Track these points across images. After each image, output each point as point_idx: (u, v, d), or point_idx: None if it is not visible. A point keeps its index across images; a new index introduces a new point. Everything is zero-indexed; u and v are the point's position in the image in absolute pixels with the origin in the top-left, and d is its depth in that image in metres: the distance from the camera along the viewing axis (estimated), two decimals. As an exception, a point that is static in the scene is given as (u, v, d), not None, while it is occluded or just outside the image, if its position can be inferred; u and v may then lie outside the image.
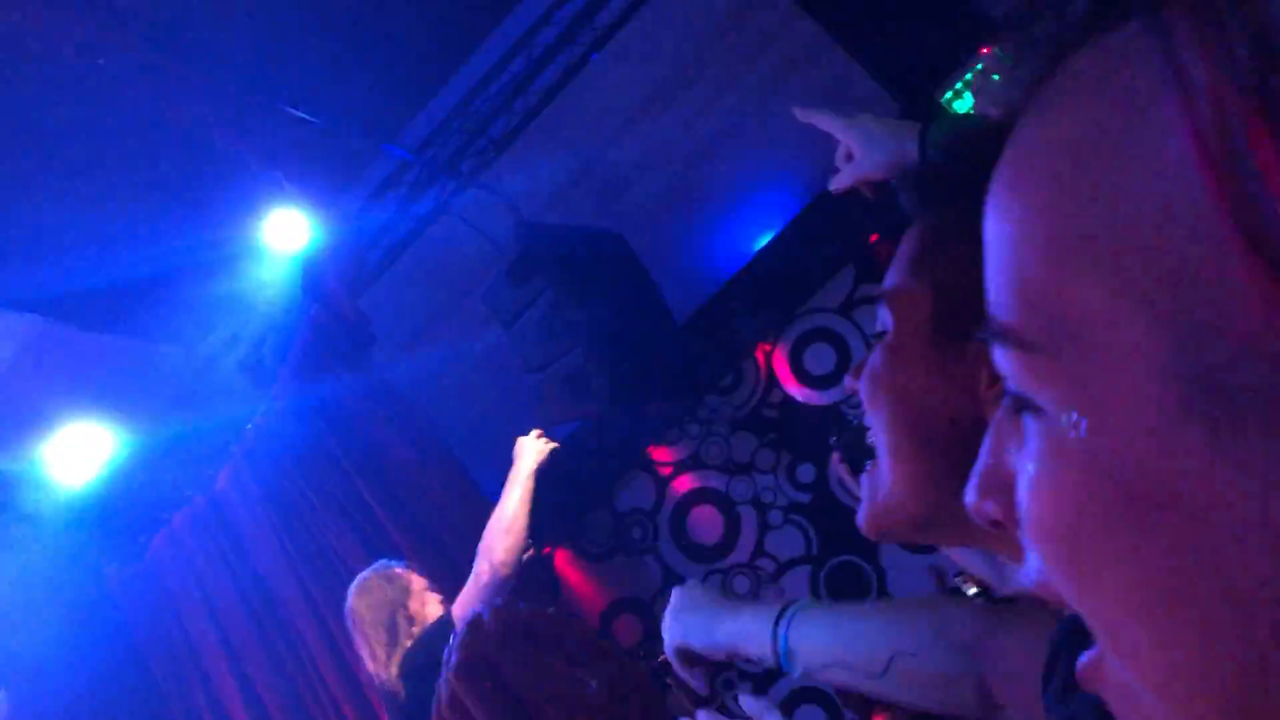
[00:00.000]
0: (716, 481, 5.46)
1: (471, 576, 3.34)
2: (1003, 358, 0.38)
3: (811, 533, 5.26)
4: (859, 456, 1.11)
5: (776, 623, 1.23)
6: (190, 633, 5.23)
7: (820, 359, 5.25)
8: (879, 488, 0.91)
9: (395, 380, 5.04)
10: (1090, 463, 0.35)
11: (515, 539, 3.36)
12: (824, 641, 1.18)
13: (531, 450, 3.63)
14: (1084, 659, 0.40)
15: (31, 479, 4.75)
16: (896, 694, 1.11)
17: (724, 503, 5.43)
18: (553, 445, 3.70)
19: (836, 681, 1.18)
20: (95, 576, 5.39)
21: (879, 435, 0.90)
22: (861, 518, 0.95)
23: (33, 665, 5.47)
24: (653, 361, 4.34)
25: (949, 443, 0.83)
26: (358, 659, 3.56)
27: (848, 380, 0.96)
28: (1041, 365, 0.37)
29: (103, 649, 5.46)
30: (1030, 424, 0.38)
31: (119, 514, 5.26)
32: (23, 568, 4.99)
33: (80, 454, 4.69)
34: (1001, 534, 0.43)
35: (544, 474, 3.60)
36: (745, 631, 1.26)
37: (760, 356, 5.39)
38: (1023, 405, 0.38)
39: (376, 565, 3.50)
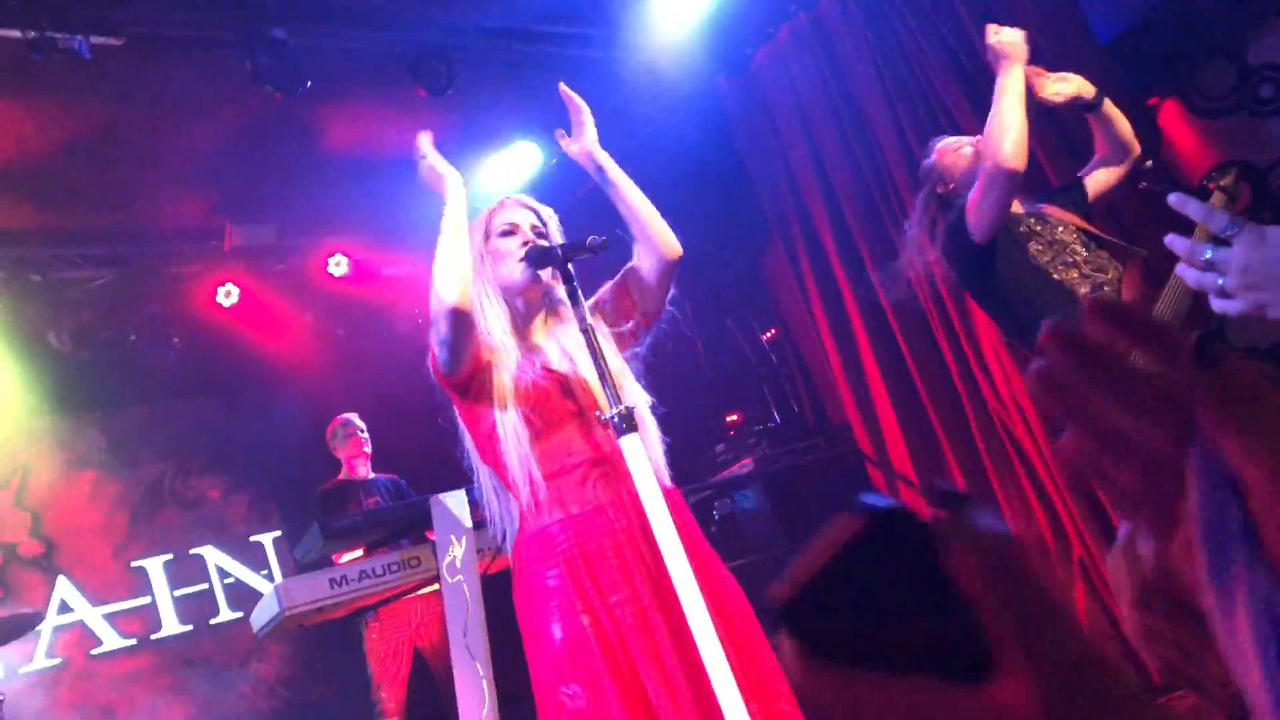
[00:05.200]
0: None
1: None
2: None
3: None
4: None
5: None
6: (784, 140, 5.64)
7: None
8: None
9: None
10: None
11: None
12: None
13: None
14: None
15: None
16: None
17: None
18: None
19: None
20: (708, 85, 5.88)
21: None
22: None
23: (649, 157, 6.27)
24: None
25: None
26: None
27: None
28: None
29: (708, 145, 6.08)
30: None
31: (730, 26, 5.57)
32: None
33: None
34: None
35: None
36: None
37: None
38: None
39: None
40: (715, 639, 1.88)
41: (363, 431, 5.17)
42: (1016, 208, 3.15)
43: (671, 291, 2.55)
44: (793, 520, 5.24)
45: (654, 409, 2.44)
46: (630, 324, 2.51)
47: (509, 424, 2.29)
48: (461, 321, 2.27)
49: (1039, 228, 3.10)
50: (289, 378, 7.27)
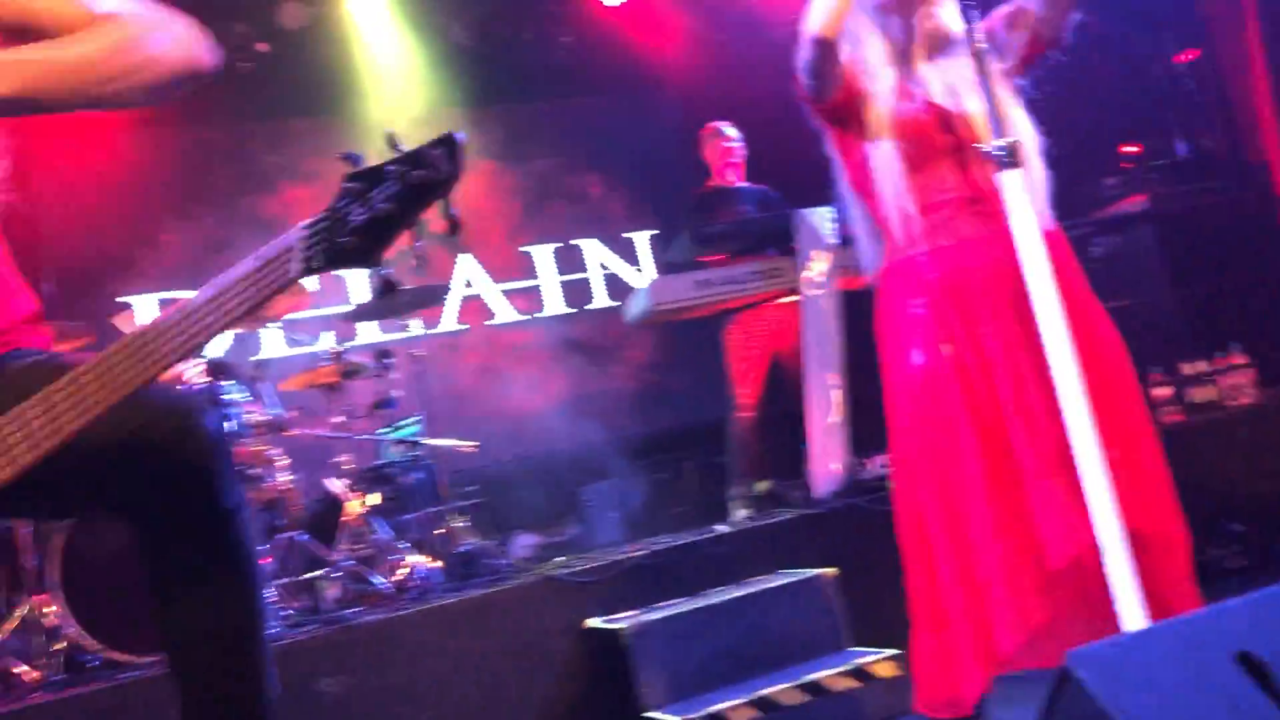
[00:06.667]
0: None
1: None
2: None
3: None
4: None
5: None
6: None
7: None
8: None
9: None
10: None
11: None
12: None
13: None
14: None
15: None
16: None
17: None
18: None
19: None
20: None
21: None
22: None
23: None
24: None
25: None
26: None
27: None
28: None
29: None
30: None
31: None
32: None
33: None
34: None
35: None
36: None
37: None
38: None
39: None
40: (1080, 386, 1.83)
41: (735, 140, 5.21)
42: None
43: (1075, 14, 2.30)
44: (1184, 266, 4.84)
45: (1040, 141, 2.28)
46: (1019, 54, 2.32)
47: (883, 156, 2.25)
48: (823, 51, 2.22)
49: None
50: (669, 81, 7.40)
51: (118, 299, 6.11)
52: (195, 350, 1.32)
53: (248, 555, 1.48)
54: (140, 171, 6.31)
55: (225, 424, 3.93)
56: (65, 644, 3.32)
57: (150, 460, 1.37)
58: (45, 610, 3.38)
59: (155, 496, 1.38)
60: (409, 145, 1.29)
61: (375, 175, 1.29)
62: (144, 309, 5.92)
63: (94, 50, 1.34)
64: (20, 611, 3.43)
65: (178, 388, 1.50)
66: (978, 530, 2.12)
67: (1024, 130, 2.25)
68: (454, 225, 1.30)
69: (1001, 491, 2.12)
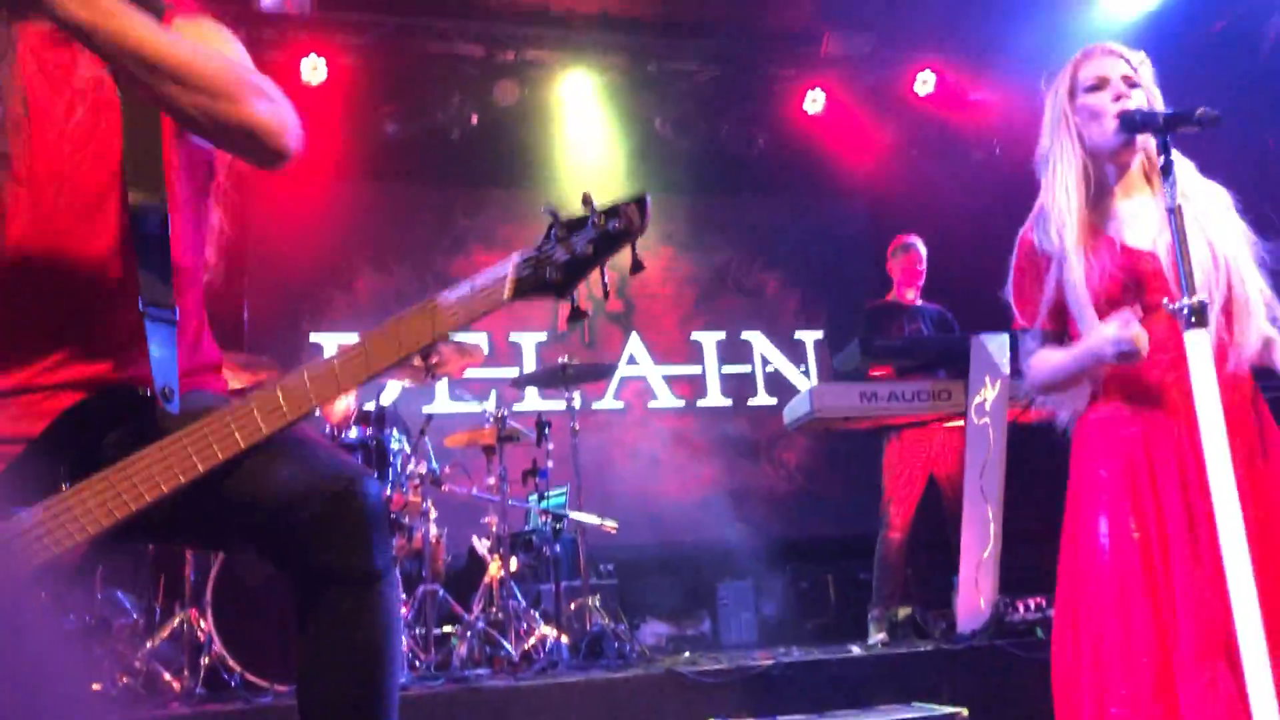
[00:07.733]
0: None
1: None
2: None
3: None
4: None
5: None
6: None
7: None
8: None
9: None
10: None
11: None
12: None
13: None
14: None
15: None
16: None
17: None
18: None
19: None
20: None
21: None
22: None
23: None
24: None
25: None
26: None
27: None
28: None
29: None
30: None
31: None
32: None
33: None
34: None
35: None
36: None
37: None
38: None
39: None
40: (1249, 576, 1.71)
41: (921, 259, 5.17)
42: None
43: None
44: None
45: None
46: None
47: (1080, 316, 2.15)
48: (1048, 392, 2.30)
49: None
50: (858, 189, 7.45)
51: (311, 336, 6.49)
52: (433, 344, 1.57)
53: (391, 615, 1.55)
54: (344, 221, 6.70)
55: (384, 480, 4.09)
56: (209, 659, 3.48)
57: (311, 516, 1.47)
58: (196, 624, 3.55)
59: (310, 550, 1.48)
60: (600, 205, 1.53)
61: (578, 224, 1.54)
62: (333, 349, 6.24)
63: (200, 54, 1.46)
64: (174, 621, 3.62)
65: (344, 454, 1.61)
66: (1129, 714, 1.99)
67: (1250, 280, 2.12)
68: (637, 265, 1.57)
69: (1165, 674, 1.98)
